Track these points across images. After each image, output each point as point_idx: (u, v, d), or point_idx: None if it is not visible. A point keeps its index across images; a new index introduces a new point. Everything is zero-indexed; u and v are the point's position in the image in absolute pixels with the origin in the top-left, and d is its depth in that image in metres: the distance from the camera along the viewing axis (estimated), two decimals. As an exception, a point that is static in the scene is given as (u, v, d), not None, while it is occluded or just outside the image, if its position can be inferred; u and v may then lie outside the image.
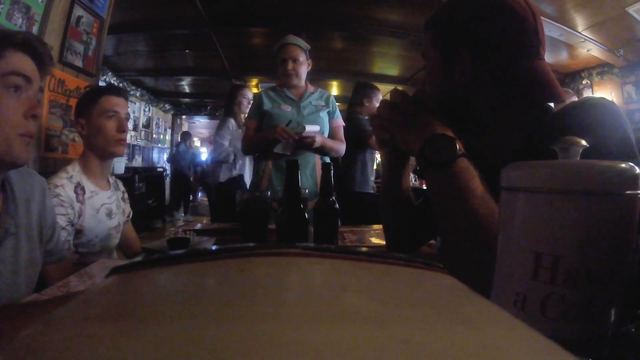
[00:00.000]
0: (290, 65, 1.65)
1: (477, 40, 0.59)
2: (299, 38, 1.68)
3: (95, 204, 1.08)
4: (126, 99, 1.17)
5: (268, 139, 1.58)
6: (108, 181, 1.19)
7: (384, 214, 0.79)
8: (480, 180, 0.50)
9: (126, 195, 1.30)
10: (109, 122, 1.09)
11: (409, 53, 3.99)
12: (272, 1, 3.08)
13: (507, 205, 0.30)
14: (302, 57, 1.68)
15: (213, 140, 2.79)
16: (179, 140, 6.66)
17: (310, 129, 1.56)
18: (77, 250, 1.03)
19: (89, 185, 1.08)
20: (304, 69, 1.70)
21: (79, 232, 1.01)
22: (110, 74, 4.58)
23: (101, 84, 3.99)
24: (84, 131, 1.09)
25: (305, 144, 1.57)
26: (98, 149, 1.10)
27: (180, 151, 6.16)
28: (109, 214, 1.13)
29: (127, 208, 1.29)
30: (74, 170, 1.06)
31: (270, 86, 1.80)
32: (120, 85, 4.91)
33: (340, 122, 1.79)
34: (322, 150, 1.66)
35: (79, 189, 1.04)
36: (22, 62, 0.64)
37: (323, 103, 1.74)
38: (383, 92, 5.58)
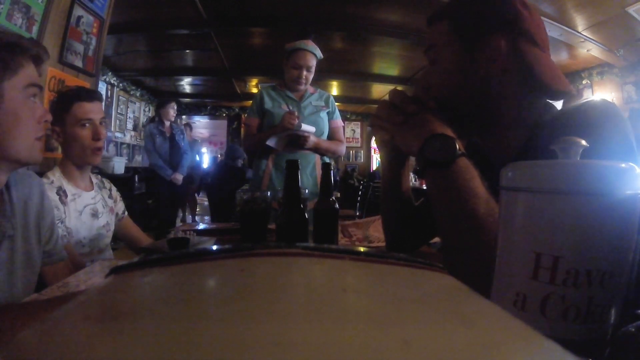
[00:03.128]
0: (304, 73, 1.64)
1: (512, 26, 0.58)
2: (316, 46, 1.66)
3: (77, 206, 1.08)
4: (100, 100, 1.14)
5: (277, 131, 1.58)
6: (91, 181, 1.18)
7: (384, 214, 0.79)
8: (480, 180, 0.50)
9: (115, 193, 1.28)
10: (83, 131, 1.06)
11: (409, 53, 4.00)
12: (272, 1, 3.09)
13: (507, 205, 0.30)
14: (314, 66, 1.68)
15: None
16: (147, 121, 4.11)
17: (306, 128, 1.57)
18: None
19: (70, 188, 1.07)
20: (311, 77, 1.70)
21: (65, 235, 1.01)
22: (110, 74, 4.58)
23: (101, 84, 3.99)
24: (59, 139, 1.07)
25: (298, 143, 1.57)
26: (74, 157, 1.09)
27: (149, 134, 3.28)
28: (95, 214, 1.13)
29: (119, 206, 1.27)
30: (54, 176, 1.05)
31: (270, 85, 1.80)
32: (120, 85, 4.91)
33: (339, 122, 1.80)
34: (319, 151, 1.67)
35: (60, 191, 1.04)
36: (33, 72, 0.68)
37: (323, 103, 1.75)
38: (383, 92, 5.61)
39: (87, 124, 1.07)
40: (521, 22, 0.58)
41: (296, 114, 1.57)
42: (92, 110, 1.09)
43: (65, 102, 1.06)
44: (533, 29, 0.58)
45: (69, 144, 1.07)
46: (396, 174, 0.73)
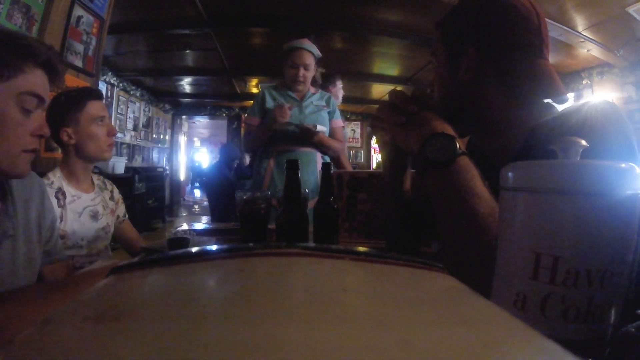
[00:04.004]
0: (301, 72, 1.65)
1: (481, 36, 0.60)
2: (312, 44, 1.67)
3: (77, 207, 1.07)
4: (103, 99, 1.16)
5: (269, 125, 1.61)
6: (92, 183, 1.18)
7: (384, 215, 0.79)
8: (481, 180, 0.50)
9: (117, 195, 1.27)
10: (99, 129, 1.07)
11: (409, 53, 3.99)
12: (272, 1, 3.08)
13: (507, 205, 0.30)
14: (313, 64, 1.68)
15: None
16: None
17: (320, 128, 1.62)
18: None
19: (70, 190, 1.07)
20: (311, 75, 1.70)
21: (62, 237, 1.00)
22: (110, 74, 4.57)
23: (101, 84, 3.99)
24: (71, 140, 1.05)
25: (306, 132, 1.59)
26: (87, 156, 1.09)
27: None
28: (94, 216, 1.12)
29: (121, 208, 1.27)
30: (55, 177, 1.05)
31: (272, 85, 1.80)
32: (120, 85, 4.91)
33: (340, 122, 1.80)
34: (321, 147, 1.67)
35: (59, 194, 1.03)
36: (38, 81, 0.63)
37: (324, 103, 1.75)
38: (383, 92, 5.60)
39: (102, 122, 1.09)
40: (500, 29, 0.59)
41: (286, 106, 1.58)
42: (103, 107, 1.11)
43: (78, 101, 1.06)
44: (519, 33, 0.59)
45: (84, 143, 1.07)
46: (397, 175, 0.73)
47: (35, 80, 0.62)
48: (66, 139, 1.05)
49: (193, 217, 6.55)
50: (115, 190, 1.28)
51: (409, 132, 0.57)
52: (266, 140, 1.66)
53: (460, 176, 0.50)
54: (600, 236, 0.26)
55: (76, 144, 1.07)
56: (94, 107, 1.07)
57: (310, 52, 1.65)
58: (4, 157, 0.61)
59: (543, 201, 0.27)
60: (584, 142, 0.29)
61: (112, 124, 4.73)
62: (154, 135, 6.19)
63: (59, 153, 1.92)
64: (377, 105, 0.65)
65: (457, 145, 0.51)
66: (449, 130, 0.53)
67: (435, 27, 0.68)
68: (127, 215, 1.30)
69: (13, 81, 0.59)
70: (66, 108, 1.05)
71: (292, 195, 0.74)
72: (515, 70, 0.59)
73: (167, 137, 6.75)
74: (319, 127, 1.59)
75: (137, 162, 5.56)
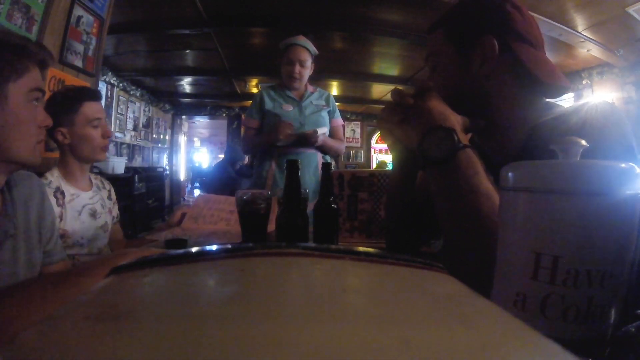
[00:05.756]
0: (297, 68, 1.64)
1: (501, 26, 0.60)
2: (308, 41, 1.67)
3: (76, 206, 1.07)
4: (101, 99, 1.16)
5: (272, 140, 1.60)
6: (90, 181, 1.18)
7: (388, 214, 0.79)
8: (485, 174, 0.48)
9: (113, 195, 1.28)
10: (94, 131, 1.08)
11: (409, 53, 3.99)
12: (272, 1, 3.08)
13: (507, 205, 0.30)
14: (309, 61, 1.68)
15: None
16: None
17: (322, 131, 1.62)
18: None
19: (68, 189, 1.07)
20: (308, 73, 1.70)
21: (62, 236, 1.00)
22: (110, 74, 4.57)
23: (101, 84, 3.98)
24: (65, 140, 1.05)
25: (308, 138, 1.59)
26: (82, 156, 1.09)
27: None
28: (93, 214, 1.12)
29: (115, 209, 1.27)
30: (53, 176, 1.05)
31: (270, 85, 1.80)
32: (120, 85, 4.91)
33: (340, 121, 1.80)
34: (322, 149, 1.67)
35: (58, 193, 1.03)
36: (38, 76, 0.70)
37: (323, 102, 1.75)
38: (383, 92, 5.61)
39: (97, 123, 1.08)
40: (512, 22, 0.60)
41: (287, 123, 1.59)
42: (100, 109, 1.11)
43: (73, 102, 1.05)
44: (525, 28, 0.60)
45: (78, 144, 1.07)
46: (406, 176, 0.71)
47: (36, 76, 0.68)
48: (61, 138, 1.05)
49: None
50: (112, 190, 1.28)
51: (409, 127, 0.56)
52: (263, 147, 1.67)
53: (461, 173, 0.48)
54: (600, 236, 0.26)
55: (70, 144, 1.07)
56: (90, 109, 1.07)
57: (305, 49, 1.65)
58: (25, 150, 0.68)
59: (543, 201, 0.27)
60: (584, 142, 0.29)
61: (112, 123, 4.76)
62: (153, 135, 6.18)
63: (56, 153, 1.91)
64: (377, 105, 0.64)
65: (457, 138, 0.49)
66: (449, 121, 0.51)
67: (432, 29, 0.67)
68: (118, 217, 1.30)
69: (22, 80, 0.65)
70: (62, 108, 1.04)
71: (292, 195, 0.74)
72: (530, 62, 0.59)
73: (167, 137, 6.74)
74: (321, 130, 1.60)
75: (137, 162, 5.55)
